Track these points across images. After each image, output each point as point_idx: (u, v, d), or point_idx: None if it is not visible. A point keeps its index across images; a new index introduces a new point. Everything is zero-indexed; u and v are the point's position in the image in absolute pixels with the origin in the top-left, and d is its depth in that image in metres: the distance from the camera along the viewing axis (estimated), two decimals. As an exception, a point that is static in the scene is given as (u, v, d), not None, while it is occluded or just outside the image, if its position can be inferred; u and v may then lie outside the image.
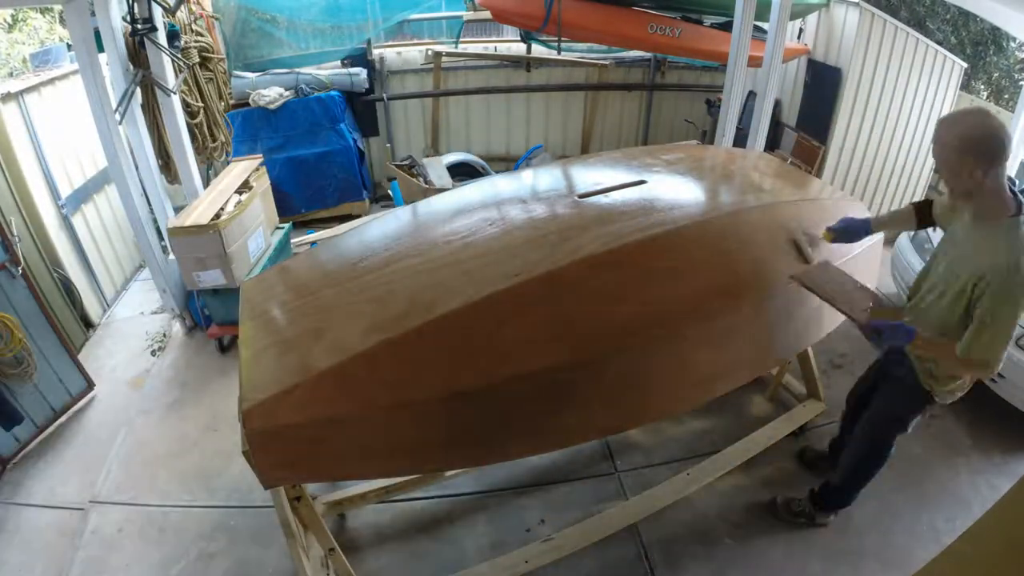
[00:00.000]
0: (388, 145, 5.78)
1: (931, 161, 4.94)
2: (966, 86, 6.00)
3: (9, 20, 7.03)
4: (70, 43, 3.91)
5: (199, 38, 4.13)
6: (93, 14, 3.19)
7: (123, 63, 3.40)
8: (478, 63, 5.94)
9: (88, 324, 4.09)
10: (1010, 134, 1.67)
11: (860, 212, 2.50)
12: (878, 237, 2.47)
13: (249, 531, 2.62)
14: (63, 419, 3.30)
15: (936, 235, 3.66)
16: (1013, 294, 1.67)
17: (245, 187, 3.88)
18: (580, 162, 2.86)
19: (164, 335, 4.02)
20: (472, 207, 2.34)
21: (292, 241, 4.43)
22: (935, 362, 1.98)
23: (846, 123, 4.59)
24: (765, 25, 4.18)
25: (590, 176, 2.55)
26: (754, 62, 4.17)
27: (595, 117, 6.30)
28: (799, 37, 5.03)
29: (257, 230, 3.77)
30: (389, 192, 4.97)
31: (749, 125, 4.35)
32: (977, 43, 8.66)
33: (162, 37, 3.44)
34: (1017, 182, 4.13)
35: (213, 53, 4.31)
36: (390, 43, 6.10)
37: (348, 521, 2.67)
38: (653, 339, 1.82)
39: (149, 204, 3.81)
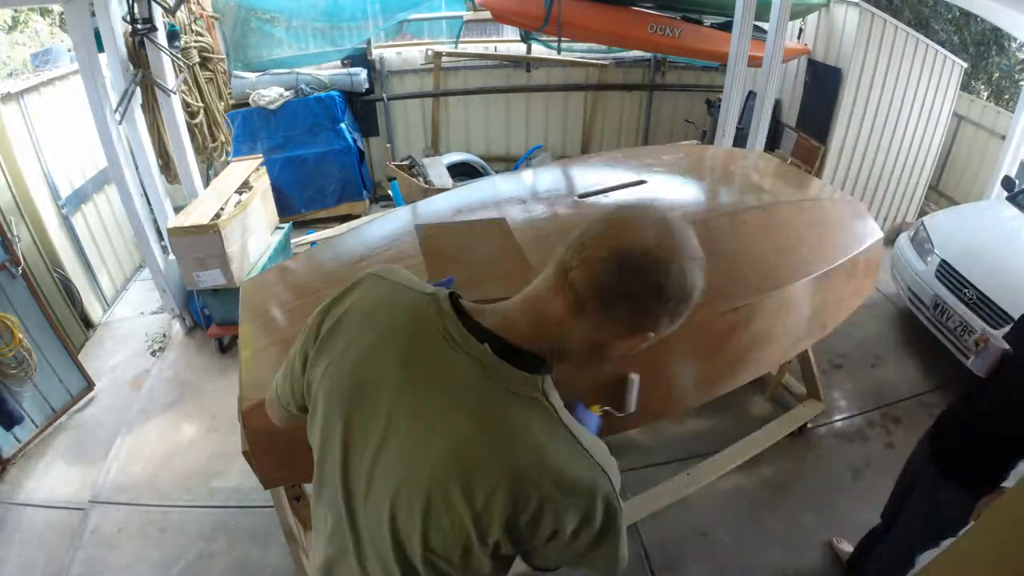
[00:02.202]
0: (388, 145, 5.77)
1: (931, 160, 4.97)
2: (966, 86, 6.00)
3: (9, 21, 7.04)
4: (71, 47, 3.91)
5: (199, 38, 4.13)
6: (93, 14, 3.19)
7: (123, 63, 3.40)
8: (478, 63, 5.94)
9: (88, 324, 4.09)
10: None
11: (860, 213, 2.50)
12: (878, 236, 2.44)
13: (249, 531, 2.62)
14: (63, 419, 3.30)
15: (936, 234, 3.68)
16: None
17: (245, 187, 3.88)
18: (580, 162, 2.87)
19: (164, 335, 4.02)
20: (472, 207, 2.33)
21: (292, 241, 4.43)
22: None
23: (846, 123, 4.59)
24: (765, 25, 4.17)
25: (590, 176, 2.55)
26: (754, 62, 4.17)
27: (595, 117, 6.30)
28: (799, 37, 5.02)
29: (257, 230, 3.77)
30: (389, 192, 4.96)
31: (749, 125, 4.34)
32: (979, 43, 8.66)
33: (162, 37, 3.44)
34: (1017, 182, 4.14)
35: (213, 53, 4.31)
36: (390, 43, 6.09)
37: (348, 521, 2.67)
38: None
39: (149, 204, 3.80)
